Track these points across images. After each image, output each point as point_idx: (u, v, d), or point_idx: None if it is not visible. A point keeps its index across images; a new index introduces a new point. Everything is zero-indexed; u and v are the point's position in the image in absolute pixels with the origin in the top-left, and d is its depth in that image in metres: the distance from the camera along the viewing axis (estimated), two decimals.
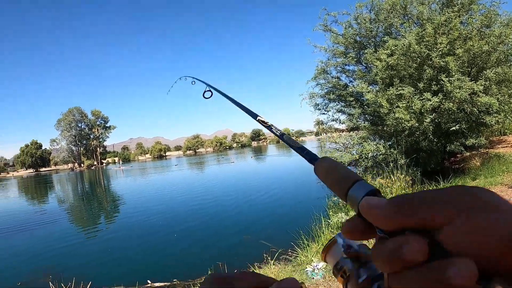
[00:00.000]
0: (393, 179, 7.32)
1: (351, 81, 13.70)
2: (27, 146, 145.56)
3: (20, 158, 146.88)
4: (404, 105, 9.33)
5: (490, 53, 9.56)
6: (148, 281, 7.63)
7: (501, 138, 15.61)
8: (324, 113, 14.36)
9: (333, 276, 3.01)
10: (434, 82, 9.64)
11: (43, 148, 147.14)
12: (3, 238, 15.05)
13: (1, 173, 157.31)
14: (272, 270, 5.25)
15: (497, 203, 0.30)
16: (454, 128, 9.74)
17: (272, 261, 5.72)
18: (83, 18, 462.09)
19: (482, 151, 12.02)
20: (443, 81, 9.05)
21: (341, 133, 14.01)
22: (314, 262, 5.37)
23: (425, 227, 0.30)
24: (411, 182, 7.66)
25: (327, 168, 0.46)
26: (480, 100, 9.06)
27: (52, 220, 18.43)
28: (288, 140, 0.62)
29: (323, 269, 5.07)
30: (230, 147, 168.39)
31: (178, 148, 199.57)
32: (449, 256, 0.28)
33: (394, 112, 9.64)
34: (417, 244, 0.29)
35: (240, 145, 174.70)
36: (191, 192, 23.02)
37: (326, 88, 13.67)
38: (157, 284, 7.49)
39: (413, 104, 9.25)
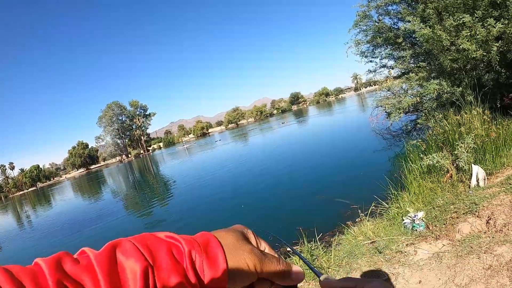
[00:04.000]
0: (472, 115, 6.75)
1: (395, 23, 12.88)
2: (74, 148, 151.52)
3: (70, 160, 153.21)
4: (467, 33, 8.55)
5: None
6: None
7: None
8: (371, 61, 13.55)
9: (437, 226, 3.91)
10: (491, 9, 8.73)
11: (89, 146, 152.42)
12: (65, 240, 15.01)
13: (55, 178, 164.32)
14: (369, 227, 4.92)
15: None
16: None
17: (367, 218, 5.36)
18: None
19: None
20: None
21: (394, 80, 13.19)
22: (410, 212, 5.01)
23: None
24: (490, 116, 7.01)
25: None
26: None
27: (110, 214, 18.47)
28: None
29: (425, 219, 4.71)
30: (271, 114, 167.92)
31: (219, 123, 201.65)
32: None
33: (456, 45, 8.90)
34: None
35: (280, 111, 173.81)
36: (242, 163, 22.73)
37: (370, 34, 12.87)
38: None
39: (478, 32, 8.46)
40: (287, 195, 11.75)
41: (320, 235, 5.59)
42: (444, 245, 3.94)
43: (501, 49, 8.66)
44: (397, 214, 5.18)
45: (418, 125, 11.82)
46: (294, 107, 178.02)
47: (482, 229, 3.98)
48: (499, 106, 9.57)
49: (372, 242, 4.49)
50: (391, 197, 6.19)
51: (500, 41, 8.50)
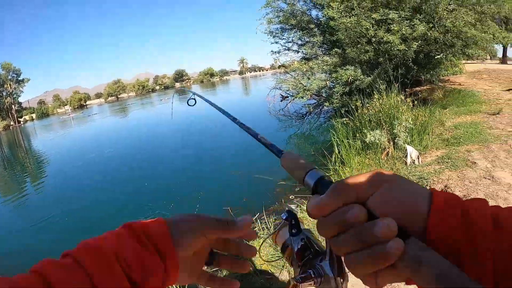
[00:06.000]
0: (401, 99, 7.31)
1: (309, 9, 13.36)
2: None
3: None
4: (396, 28, 9.40)
5: None
6: None
7: (444, 78, 16.27)
8: (277, 42, 13.98)
9: None
10: (418, 15, 9.83)
11: None
12: None
13: None
14: None
15: (394, 179, 0.46)
16: (438, 56, 10.15)
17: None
18: None
19: (440, 85, 13.29)
20: (434, 12, 9.49)
21: (304, 64, 13.57)
22: None
23: (358, 200, 0.45)
24: (412, 103, 7.73)
25: (289, 160, 0.61)
26: (470, 32, 9.53)
27: None
28: (262, 139, 0.81)
29: None
30: (153, 90, 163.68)
31: (98, 95, 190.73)
32: (378, 218, 0.43)
33: (377, 36, 9.64)
34: (358, 209, 0.43)
35: (163, 87, 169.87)
36: (129, 143, 21.17)
37: (282, 14, 13.09)
38: None
39: (403, 30, 9.36)
40: (195, 172, 10.98)
41: (257, 215, 5.38)
42: None
43: (419, 48, 9.69)
44: None
45: (325, 108, 12.42)
46: (178, 85, 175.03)
47: None
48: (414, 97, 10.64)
49: None
50: (328, 174, 6.32)
51: (420, 41, 9.51)
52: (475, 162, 5.30)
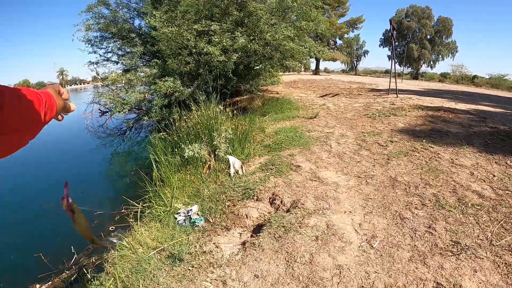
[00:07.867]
0: (219, 110, 7.07)
1: (132, 17, 12.73)
2: None
3: None
4: (217, 39, 9.41)
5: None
6: None
7: (263, 88, 17.06)
8: (95, 51, 12.75)
9: (218, 217, 3.86)
10: (240, 28, 10.08)
11: None
12: None
13: None
14: (144, 234, 4.07)
15: None
16: (258, 67, 10.69)
17: (138, 223, 4.35)
18: None
19: (259, 94, 13.76)
20: (255, 25, 10.02)
21: (122, 75, 12.53)
22: (181, 208, 4.61)
23: None
24: (232, 113, 7.60)
25: None
26: (288, 45, 10.34)
27: None
28: None
29: (200, 212, 4.39)
30: None
31: None
32: None
33: (198, 48, 9.54)
34: None
35: None
36: None
37: (103, 21, 12.01)
38: None
39: (224, 41, 9.45)
40: None
41: (74, 259, 4.61)
42: (240, 233, 3.77)
43: (237, 60, 9.79)
44: (165, 212, 4.66)
45: (144, 122, 11.73)
46: None
47: (269, 210, 4.11)
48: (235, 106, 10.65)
49: (160, 250, 3.66)
50: (146, 196, 5.49)
51: (240, 53, 9.86)
52: (299, 165, 5.29)
